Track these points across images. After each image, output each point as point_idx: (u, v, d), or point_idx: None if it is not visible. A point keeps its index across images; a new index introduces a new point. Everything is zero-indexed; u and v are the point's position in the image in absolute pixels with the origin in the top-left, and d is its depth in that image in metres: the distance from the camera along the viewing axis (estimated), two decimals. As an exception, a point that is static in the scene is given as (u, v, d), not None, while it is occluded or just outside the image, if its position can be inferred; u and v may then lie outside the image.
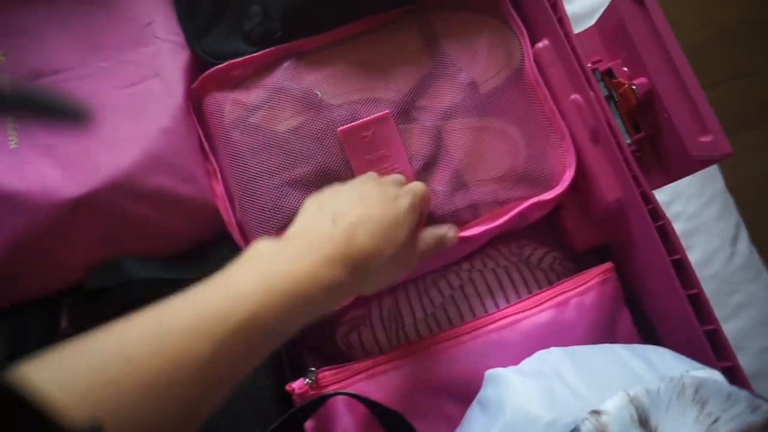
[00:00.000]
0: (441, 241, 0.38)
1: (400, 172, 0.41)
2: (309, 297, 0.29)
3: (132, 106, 0.43)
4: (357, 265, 0.31)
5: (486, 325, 0.39)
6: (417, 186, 0.38)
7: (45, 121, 0.36)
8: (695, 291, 0.35)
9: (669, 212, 0.58)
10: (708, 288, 0.36)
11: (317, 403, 0.38)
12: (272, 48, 0.43)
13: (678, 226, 0.57)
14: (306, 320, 0.30)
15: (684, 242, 0.36)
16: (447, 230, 0.39)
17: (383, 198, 0.34)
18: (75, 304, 0.43)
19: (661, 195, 0.57)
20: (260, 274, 0.29)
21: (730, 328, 0.54)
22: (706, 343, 0.34)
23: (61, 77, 0.44)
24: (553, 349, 0.37)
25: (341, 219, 0.32)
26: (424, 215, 0.39)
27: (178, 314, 0.26)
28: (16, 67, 0.43)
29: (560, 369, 0.34)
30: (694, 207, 0.58)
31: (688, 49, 0.34)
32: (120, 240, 0.42)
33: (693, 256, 0.56)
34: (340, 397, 0.39)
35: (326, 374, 0.39)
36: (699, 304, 0.35)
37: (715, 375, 0.29)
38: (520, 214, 0.41)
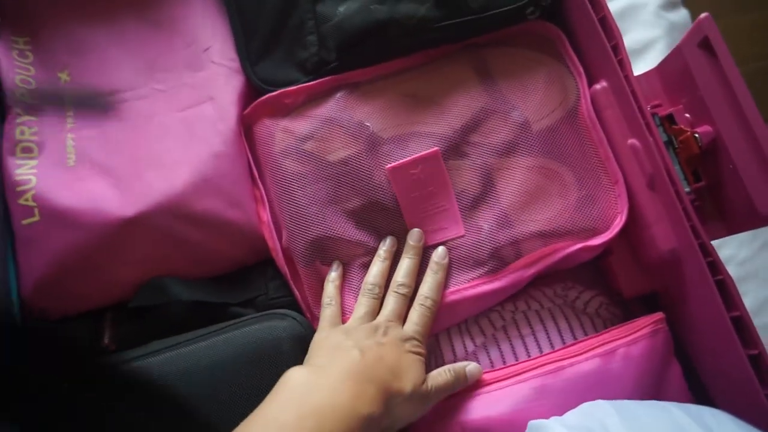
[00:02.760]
0: (458, 378, 0.38)
1: (445, 211, 0.41)
2: (349, 429, 0.31)
3: (185, 129, 0.44)
4: (385, 397, 0.34)
5: (529, 370, 0.38)
6: (422, 325, 0.38)
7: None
8: (756, 351, 0.34)
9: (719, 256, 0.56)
10: (761, 339, 0.34)
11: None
12: (326, 78, 0.43)
13: (729, 271, 0.55)
14: None
15: (735, 288, 0.35)
16: (465, 366, 0.39)
17: (395, 346, 0.37)
18: (117, 321, 0.43)
19: (711, 238, 0.55)
20: (310, 411, 0.31)
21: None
22: (768, 409, 0.33)
23: (119, 97, 0.45)
24: (600, 402, 0.35)
25: (367, 351, 0.35)
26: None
27: None
28: (79, 86, 0.44)
29: (608, 425, 0.32)
30: (746, 251, 0.55)
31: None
32: (166, 260, 0.42)
33: (745, 304, 0.53)
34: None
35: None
36: (761, 365, 0.34)
37: (780, 448, 0.28)
38: (565, 257, 0.40)
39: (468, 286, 0.40)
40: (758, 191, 0.33)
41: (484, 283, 0.40)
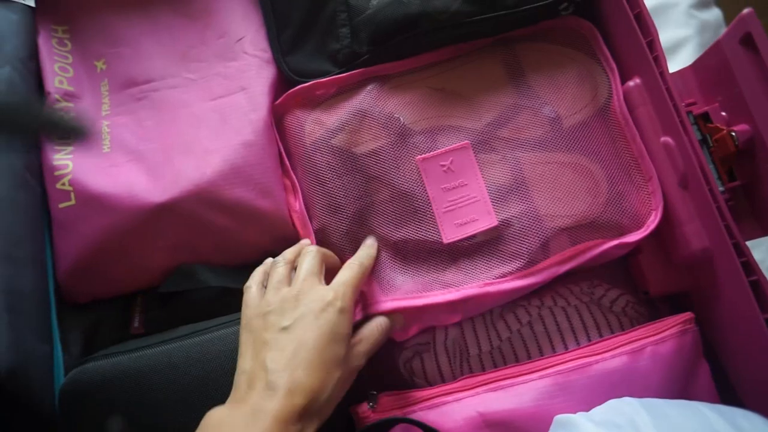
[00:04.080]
0: (384, 331, 0.37)
1: (476, 202, 0.40)
2: None
3: (217, 118, 0.44)
4: (306, 409, 0.31)
5: (555, 365, 0.38)
6: (346, 278, 0.36)
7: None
8: (790, 354, 0.33)
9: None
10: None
11: (378, 428, 0.37)
12: (357, 70, 0.43)
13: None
14: None
15: (765, 295, 0.34)
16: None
17: (313, 315, 0.33)
18: (147, 306, 0.44)
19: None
20: None
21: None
22: (801, 412, 0.32)
23: (153, 86, 0.45)
24: (628, 399, 0.35)
25: (279, 374, 0.31)
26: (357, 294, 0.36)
27: None
28: (114, 76, 0.45)
29: (637, 421, 0.32)
30: (777, 256, 0.54)
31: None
32: (196, 247, 0.43)
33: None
34: (400, 425, 0.38)
35: (387, 399, 0.39)
36: (794, 368, 0.33)
37: (816, 450, 0.27)
38: (601, 254, 0.40)
39: (501, 281, 0.39)
40: (798, 190, 0.32)
41: (518, 278, 0.39)
